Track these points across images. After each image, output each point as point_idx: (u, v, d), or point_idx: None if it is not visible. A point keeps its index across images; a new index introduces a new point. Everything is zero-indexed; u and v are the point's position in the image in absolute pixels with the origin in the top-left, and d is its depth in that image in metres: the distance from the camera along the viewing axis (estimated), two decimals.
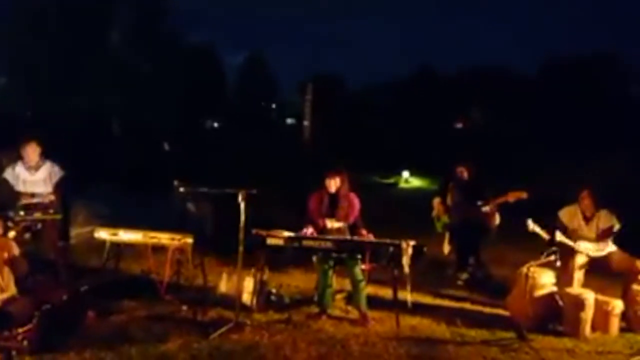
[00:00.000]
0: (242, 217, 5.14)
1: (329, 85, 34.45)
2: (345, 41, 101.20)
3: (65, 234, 7.02)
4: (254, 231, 5.50)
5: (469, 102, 33.34)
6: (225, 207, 6.23)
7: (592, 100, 27.25)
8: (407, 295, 5.40)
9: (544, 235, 5.82)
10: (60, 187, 6.18)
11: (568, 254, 5.75)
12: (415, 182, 22.89)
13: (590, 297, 5.29)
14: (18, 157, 6.12)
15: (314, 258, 5.72)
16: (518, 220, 6.09)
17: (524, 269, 5.41)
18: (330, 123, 30.08)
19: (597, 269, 5.87)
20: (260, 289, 5.76)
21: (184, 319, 5.39)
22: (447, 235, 7.58)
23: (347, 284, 5.89)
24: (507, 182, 7.54)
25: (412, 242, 5.24)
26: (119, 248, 6.20)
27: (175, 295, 5.78)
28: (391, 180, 23.46)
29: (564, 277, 5.71)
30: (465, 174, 7.32)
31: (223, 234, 6.81)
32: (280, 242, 5.49)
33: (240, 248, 5.20)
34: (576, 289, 5.60)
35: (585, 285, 5.71)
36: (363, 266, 5.47)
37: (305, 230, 5.61)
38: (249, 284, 5.76)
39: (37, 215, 5.96)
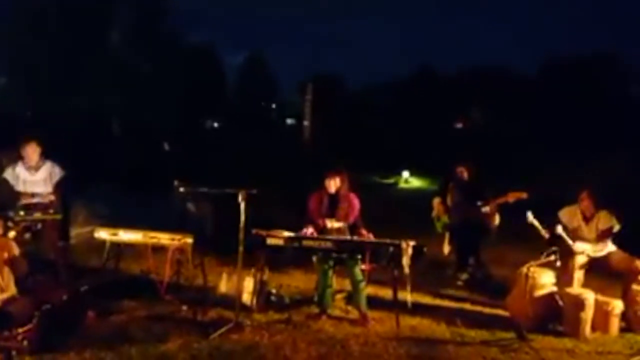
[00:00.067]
0: (242, 217, 5.14)
1: (329, 85, 34.46)
2: (345, 41, 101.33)
3: (66, 234, 7.02)
4: (254, 231, 5.50)
5: (469, 102, 33.34)
6: (225, 207, 6.23)
7: (592, 100, 27.25)
8: (407, 296, 5.40)
9: (542, 230, 5.81)
10: (60, 187, 6.18)
11: (568, 254, 5.75)
12: (415, 182, 22.90)
13: (590, 297, 5.29)
14: (18, 157, 6.12)
15: (314, 258, 5.72)
16: (518, 221, 6.09)
17: (524, 269, 5.41)
18: (330, 123, 30.09)
19: (597, 269, 5.87)
20: (260, 289, 5.76)
21: (184, 319, 5.39)
22: (447, 236, 7.58)
23: (347, 284, 5.89)
24: (507, 182, 7.54)
25: (412, 242, 5.23)
26: (119, 248, 6.19)
27: (175, 295, 5.78)
28: (391, 181, 23.47)
29: (564, 277, 5.71)
30: (465, 174, 7.32)
31: (223, 234, 6.81)
32: (281, 242, 5.49)
33: (240, 248, 5.20)
34: (576, 289, 5.59)
35: (585, 285, 5.71)
36: (363, 266, 5.47)
37: (305, 230, 5.61)
38: (249, 284, 5.76)
39: (37, 215, 5.96)
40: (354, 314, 5.62)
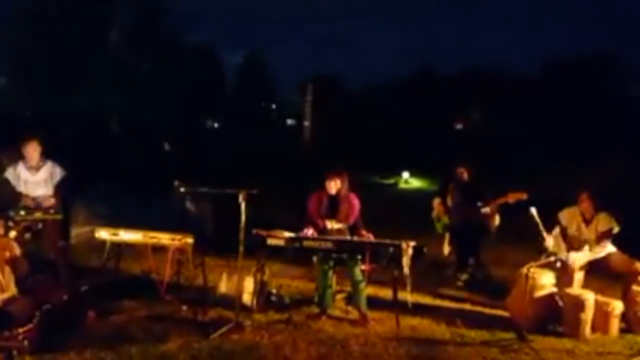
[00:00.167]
0: (243, 218, 5.14)
1: (329, 86, 34.48)
2: (345, 41, 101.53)
3: (66, 233, 7.03)
4: (254, 231, 5.50)
5: (468, 102, 33.36)
6: (226, 207, 6.23)
7: (591, 100, 27.26)
8: (408, 296, 5.40)
9: (542, 230, 5.79)
10: (61, 188, 6.19)
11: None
12: (415, 183, 22.91)
13: (590, 298, 5.29)
14: (19, 157, 6.12)
15: (314, 258, 5.72)
16: (518, 221, 6.09)
17: (524, 270, 5.41)
18: (330, 123, 30.10)
19: (596, 270, 5.86)
20: (261, 289, 5.76)
21: (184, 319, 5.39)
22: (447, 236, 7.59)
23: (347, 285, 5.89)
24: (507, 183, 7.54)
25: (412, 243, 5.24)
26: (120, 248, 6.19)
27: (176, 295, 5.78)
28: (391, 181, 23.49)
29: (563, 277, 5.71)
30: (466, 175, 7.33)
31: (223, 234, 6.81)
32: (281, 242, 5.49)
33: (241, 248, 5.20)
34: (576, 289, 5.59)
35: (585, 286, 5.70)
36: (363, 267, 5.48)
37: (305, 231, 5.61)
38: (249, 284, 5.76)
39: (38, 215, 5.96)
40: (354, 314, 5.62)
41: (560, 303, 5.46)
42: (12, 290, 4.76)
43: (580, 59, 31.27)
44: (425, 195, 10.81)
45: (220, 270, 6.67)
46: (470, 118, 34.60)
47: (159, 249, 5.89)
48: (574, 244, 5.87)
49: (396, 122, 31.03)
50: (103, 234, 5.96)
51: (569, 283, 5.68)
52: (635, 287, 5.50)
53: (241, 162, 18.08)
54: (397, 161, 23.58)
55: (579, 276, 5.77)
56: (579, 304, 5.25)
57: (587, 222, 5.85)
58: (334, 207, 5.61)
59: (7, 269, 4.77)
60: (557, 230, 5.86)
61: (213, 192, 5.62)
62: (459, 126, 34.98)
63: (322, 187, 5.64)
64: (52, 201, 6.06)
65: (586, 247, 5.76)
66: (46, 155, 6.20)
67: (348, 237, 5.58)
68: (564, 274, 5.70)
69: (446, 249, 7.58)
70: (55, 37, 19.66)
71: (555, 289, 5.61)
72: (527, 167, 18.40)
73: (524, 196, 6.82)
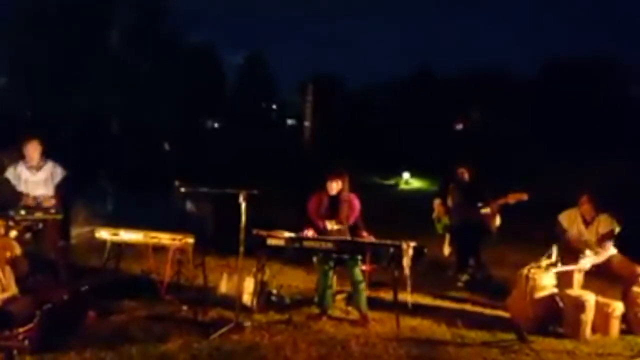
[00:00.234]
0: (243, 218, 5.14)
1: (329, 86, 34.47)
2: (345, 41, 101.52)
3: (66, 233, 7.02)
4: (254, 232, 5.50)
5: (469, 102, 33.36)
6: (226, 207, 6.23)
7: (591, 101, 27.27)
8: (408, 297, 5.40)
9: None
10: (61, 188, 6.19)
11: (569, 255, 5.75)
12: (416, 183, 22.91)
13: (590, 299, 5.29)
14: (19, 157, 6.12)
15: (315, 259, 5.72)
16: (519, 222, 6.09)
17: (525, 271, 5.41)
18: (331, 123, 30.10)
19: (597, 271, 5.85)
20: (261, 290, 5.77)
21: (185, 319, 5.39)
22: (447, 237, 7.59)
23: (347, 285, 5.89)
24: (507, 183, 7.55)
25: (412, 243, 5.24)
26: (120, 248, 6.19)
27: (176, 295, 5.78)
28: (391, 181, 23.48)
29: (564, 278, 5.70)
30: (466, 175, 7.33)
31: (223, 234, 6.81)
32: (281, 242, 5.49)
33: (241, 248, 5.20)
34: (576, 290, 5.59)
35: (586, 287, 5.70)
36: (363, 267, 5.48)
37: (305, 232, 5.61)
38: (249, 284, 5.76)
39: (38, 215, 5.96)
40: (354, 314, 5.62)
41: (561, 304, 5.46)
42: (13, 289, 4.76)
43: (580, 59, 31.27)
44: (425, 195, 10.81)
45: (220, 270, 6.68)
46: (470, 118, 34.60)
47: (160, 249, 5.90)
48: (574, 246, 5.87)
49: (396, 123, 31.03)
50: (103, 234, 5.96)
51: (569, 284, 5.68)
52: (635, 289, 5.50)
53: (241, 162, 18.10)
54: (397, 162, 23.58)
55: (578, 277, 5.77)
56: (579, 305, 5.25)
57: (588, 223, 5.85)
58: (334, 207, 5.61)
59: (8, 268, 4.77)
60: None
61: (213, 192, 5.62)
62: (459, 126, 34.97)
63: (322, 187, 5.64)
64: (52, 201, 6.06)
65: (587, 252, 5.73)
66: (46, 155, 6.20)
67: (348, 238, 5.58)
68: (564, 274, 5.69)
69: (446, 250, 7.58)
70: (55, 37, 19.63)
71: (555, 290, 5.61)
72: (527, 167, 18.41)
73: (524, 197, 6.82)
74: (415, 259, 5.24)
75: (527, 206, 6.81)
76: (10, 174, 6.05)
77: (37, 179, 6.06)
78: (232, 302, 5.42)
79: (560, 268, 5.61)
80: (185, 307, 5.61)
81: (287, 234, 5.52)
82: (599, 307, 5.32)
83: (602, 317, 5.33)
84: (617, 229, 5.76)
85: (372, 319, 5.47)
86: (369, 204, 6.09)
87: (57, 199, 6.11)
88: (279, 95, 45.41)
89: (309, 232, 5.60)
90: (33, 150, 6.05)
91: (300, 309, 5.83)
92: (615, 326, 5.36)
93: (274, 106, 45.97)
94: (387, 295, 5.89)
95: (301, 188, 6.68)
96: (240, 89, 41.26)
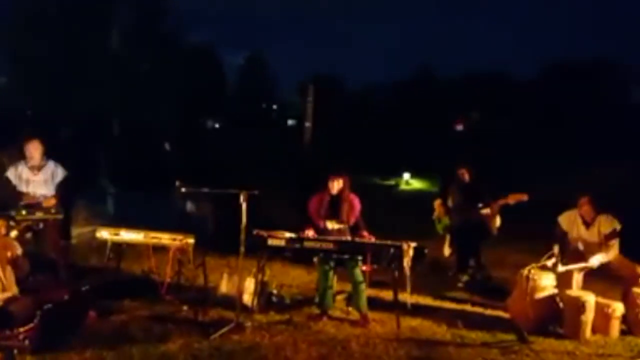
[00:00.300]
0: (244, 218, 5.15)
1: (330, 86, 34.47)
2: (345, 41, 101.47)
3: (67, 233, 7.03)
4: (255, 232, 5.50)
5: (469, 103, 33.39)
6: (226, 207, 6.24)
7: (592, 102, 27.29)
8: (407, 297, 5.40)
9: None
10: (62, 187, 6.19)
11: (569, 256, 5.75)
12: (416, 184, 22.88)
13: (590, 299, 5.29)
14: (20, 157, 6.12)
15: (315, 259, 5.73)
16: (519, 223, 6.09)
17: (525, 271, 5.42)
18: (331, 124, 30.07)
19: (597, 271, 5.86)
20: (261, 290, 5.77)
21: (185, 319, 5.39)
22: (447, 237, 7.60)
23: (347, 285, 5.89)
24: (507, 184, 7.54)
25: (413, 244, 5.24)
26: (120, 248, 6.19)
27: (176, 295, 5.79)
28: (392, 182, 23.45)
29: (564, 279, 5.70)
30: (466, 176, 7.32)
31: (224, 235, 6.82)
32: (282, 243, 5.48)
33: (242, 249, 5.21)
34: (577, 291, 5.59)
35: (586, 287, 5.70)
36: (364, 267, 5.48)
37: (306, 231, 5.61)
38: (249, 284, 5.77)
39: (39, 215, 5.95)
40: (354, 315, 5.62)
41: (561, 305, 5.46)
42: (13, 289, 4.75)
43: (580, 60, 31.34)
44: (426, 196, 10.82)
45: (221, 270, 6.68)
46: (470, 119, 34.62)
47: (160, 249, 5.90)
48: (574, 247, 5.87)
49: (397, 123, 31.05)
50: (104, 233, 5.96)
51: (569, 284, 5.68)
52: (635, 289, 5.50)
53: (242, 163, 18.08)
54: (397, 162, 23.57)
55: (578, 278, 5.77)
56: (579, 306, 5.25)
57: (588, 224, 5.84)
58: (335, 207, 5.62)
59: (9, 268, 4.76)
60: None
61: (214, 192, 5.63)
62: (460, 127, 34.99)
63: (323, 188, 5.65)
64: (53, 201, 6.06)
65: (596, 256, 5.71)
66: (47, 155, 6.20)
67: (349, 238, 5.58)
68: (564, 275, 5.69)
69: (447, 250, 7.59)
70: (55, 37, 19.64)
71: (555, 291, 5.61)
72: (527, 168, 18.39)
73: (524, 197, 6.83)
74: (415, 259, 5.25)
75: (527, 207, 6.81)
76: (11, 173, 6.04)
77: (38, 178, 6.05)
78: (232, 302, 5.42)
79: (571, 267, 5.62)
80: (185, 307, 5.61)
81: (288, 235, 5.52)
82: (599, 307, 5.32)
83: (603, 317, 5.33)
84: (619, 227, 5.75)
85: (372, 320, 5.48)
86: (370, 204, 6.09)
87: (57, 198, 6.11)
88: (279, 95, 45.49)
89: (309, 233, 5.60)
90: (34, 150, 6.05)
91: (301, 309, 5.84)
92: (616, 327, 5.36)
93: (274, 106, 45.97)
94: (387, 295, 5.89)
95: (301, 188, 6.69)
96: (240, 89, 41.31)
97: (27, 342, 4.34)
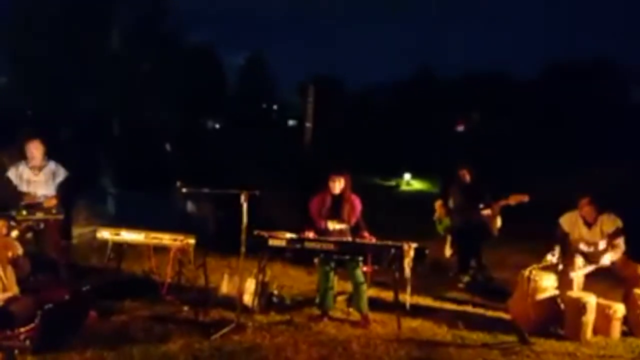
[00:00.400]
0: (244, 218, 5.15)
1: (330, 86, 34.44)
2: (345, 41, 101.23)
3: (68, 233, 7.03)
4: (255, 232, 5.50)
5: (469, 104, 33.37)
6: (227, 208, 6.24)
7: (592, 102, 27.28)
8: (407, 298, 5.40)
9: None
10: (63, 188, 6.19)
11: (571, 258, 5.75)
12: (417, 185, 22.89)
13: (591, 300, 5.29)
14: (20, 157, 6.12)
15: (316, 260, 5.72)
16: (519, 223, 6.09)
17: (526, 272, 5.41)
18: (331, 124, 30.07)
19: (598, 272, 5.85)
20: (262, 290, 5.77)
21: (186, 320, 5.39)
22: (448, 238, 7.59)
23: (348, 286, 5.89)
24: (508, 185, 7.54)
25: (414, 245, 5.24)
26: (121, 248, 6.18)
27: (177, 295, 5.79)
28: (393, 183, 23.46)
29: (565, 280, 5.70)
30: (467, 177, 7.32)
31: (224, 235, 6.82)
32: (283, 243, 5.48)
33: (242, 249, 5.21)
34: (578, 292, 5.59)
35: (587, 288, 5.70)
36: (365, 268, 5.47)
37: (306, 232, 5.60)
38: (250, 285, 5.77)
39: (40, 215, 5.96)
40: (355, 315, 5.62)
41: (562, 306, 5.46)
42: (14, 289, 4.76)
43: (580, 60, 31.33)
44: (426, 197, 10.82)
45: (221, 271, 6.68)
46: (471, 120, 34.61)
47: (161, 250, 5.89)
48: (576, 248, 5.86)
49: (397, 124, 31.03)
50: (105, 234, 5.95)
51: (570, 285, 5.67)
52: (637, 290, 5.49)
53: (242, 163, 18.07)
54: (398, 163, 23.57)
55: (579, 279, 5.77)
56: (580, 307, 5.25)
57: (589, 225, 5.82)
58: (336, 207, 5.61)
59: (9, 268, 4.77)
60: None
61: (214, 192, 5.63)
62: (460, 128, 34.97)
63: (324, 188, 5.64)
64: (53, 201, 6.06)
65: (606, 255, 5.71)
66: (48, 155, 6.20)
67: (350, 239, 5.58)
68: (565, 276, 5.69)
69: (448, 251, 7.58)
70: (55, 37, 19.63)
71: (557, 292, 5.61)
72: (527, 168, 18.38)
73: (525, 198, 6.82)
74: (416, 260, 5.23)
75: (528, 208, 6.81)
76: (11, 173, 6.04)
77: (38, 179, 6.05)
78: (233, 302, 5.43)
79: (585, 270, 5.61)
80: (186, 308, 5.61)
81: (289, 235, 5.52)
82: (600, 308, 5.32)
83: (603, 319, 5.33)
84: (621, 225, 5.74)
85: (373, 320, 5.48)
86: (370, 205, 6.08)
87: (58, 199, 6.11)
88: (280, 95, 45.38)
89: (310, 233, 5.60)
90: (35, 150, 6.05)
91: (301, 309, 5.84)
92: (617, 328, 5.36)
93: (275, 107, 45.94)
94: (388, 296, 5.89)
95: (302, 188, 6.69)
96: (240, 90, 41.26)
97: (27, 342, 4.34)
